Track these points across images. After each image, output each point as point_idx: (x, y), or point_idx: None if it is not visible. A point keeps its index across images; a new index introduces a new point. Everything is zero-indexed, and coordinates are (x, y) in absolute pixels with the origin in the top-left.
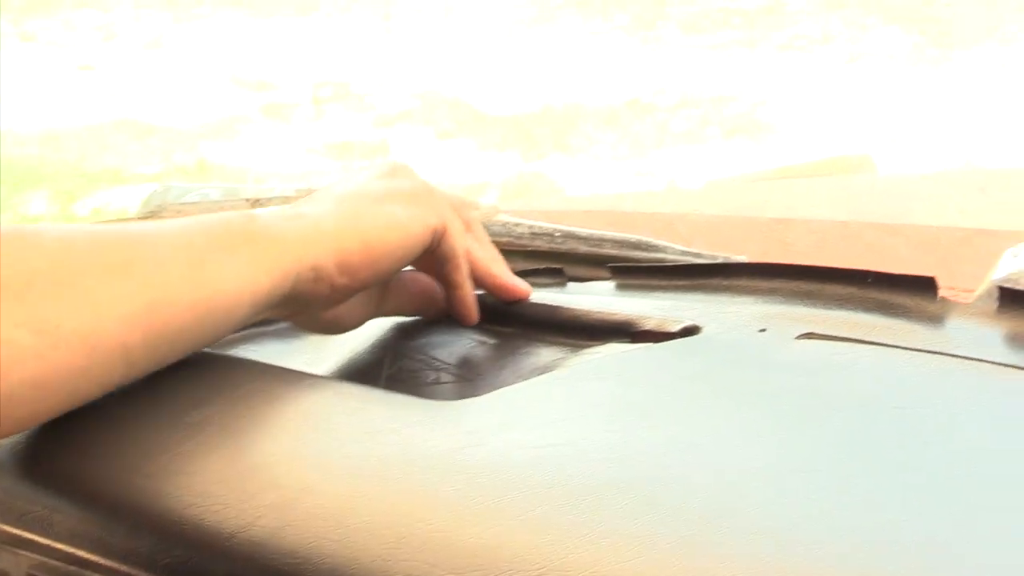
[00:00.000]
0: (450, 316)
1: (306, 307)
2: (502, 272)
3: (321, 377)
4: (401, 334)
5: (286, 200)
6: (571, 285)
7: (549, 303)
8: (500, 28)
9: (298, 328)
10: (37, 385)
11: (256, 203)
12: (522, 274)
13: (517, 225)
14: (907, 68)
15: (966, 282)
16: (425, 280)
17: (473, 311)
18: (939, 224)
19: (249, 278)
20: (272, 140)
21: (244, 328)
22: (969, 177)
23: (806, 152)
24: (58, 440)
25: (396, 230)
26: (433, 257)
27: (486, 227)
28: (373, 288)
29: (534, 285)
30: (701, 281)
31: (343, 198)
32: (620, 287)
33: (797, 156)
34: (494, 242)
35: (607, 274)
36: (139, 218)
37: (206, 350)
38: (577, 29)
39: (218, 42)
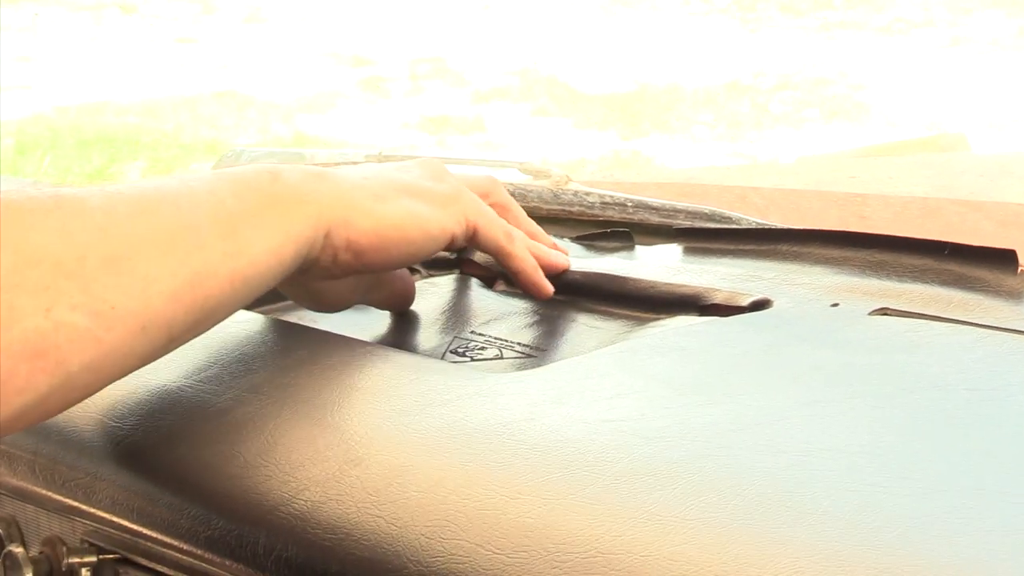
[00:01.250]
0: (516, 290)
1: (304, 273)
2: (539, 250)
3: (376, 345)
4: (464, 308)
5: (355, 165)
6: (638, 250)
7: (616, 273)
8: (598, 6)
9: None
10: (94, 368)
11: (325, 167)
12: (588, 237)
13: (588, 194)
14: (1010, 53)
15: None
16: (409, 279)
17: (544, 287)
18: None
19: (277, 245)
20: (368, 114)
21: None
22: None
23: (903, 134)
24: (100, 407)
25: (414, 227)
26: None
27: (557, 196)
28: (368, 275)
29: (600, 250)
30: (771, 247)
31: (371, 178)
32: (687, 252)
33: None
34: (565, 211)
35: (675, 241)
36: None
37: (256, 313)
38: (677, 10)
39: (316, 17)
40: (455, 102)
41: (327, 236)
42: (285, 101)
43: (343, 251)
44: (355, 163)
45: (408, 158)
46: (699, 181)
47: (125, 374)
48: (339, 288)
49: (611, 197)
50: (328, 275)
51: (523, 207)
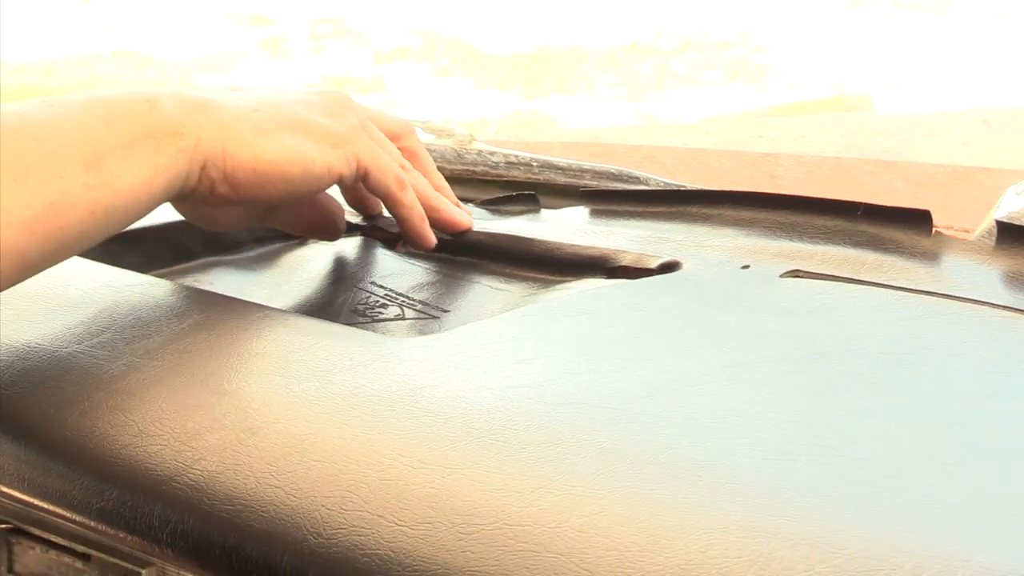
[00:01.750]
0: (419, 248)
1: (182, 202)
2: (441, 204)
3: (275, 310)
4: (366, 266)
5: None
6: (544, 212)
7: (522, 235)
8: None
9: (259, 259)
10: None
11: None
12: (494, 201)
13: (492, 154)
14: (910, 13)
15: (965, 221)
16: (325, 203)
17: (427, 237)
18: (939, 162)
19: (146, 177)
20: (268, 74)
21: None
22: (973, 115)
23: (805, 95)
24: None
25: (295, 164)
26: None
27: (461, 156)
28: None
29: (506, 213)
30: (680, 209)
31: (260, 110)
32: (595, 214)
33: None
34: (469, 171)
35: (582, 202)
36: None
37: (154, 277)
38: None
39: None
40: (356, 62)
41: (203, 168)
42: (184, 61)
43: (220, 183)
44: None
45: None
46: (606, 141)
47: None
48: (231, 212)
49: (516, 157)
50: (208, 205)
51: None
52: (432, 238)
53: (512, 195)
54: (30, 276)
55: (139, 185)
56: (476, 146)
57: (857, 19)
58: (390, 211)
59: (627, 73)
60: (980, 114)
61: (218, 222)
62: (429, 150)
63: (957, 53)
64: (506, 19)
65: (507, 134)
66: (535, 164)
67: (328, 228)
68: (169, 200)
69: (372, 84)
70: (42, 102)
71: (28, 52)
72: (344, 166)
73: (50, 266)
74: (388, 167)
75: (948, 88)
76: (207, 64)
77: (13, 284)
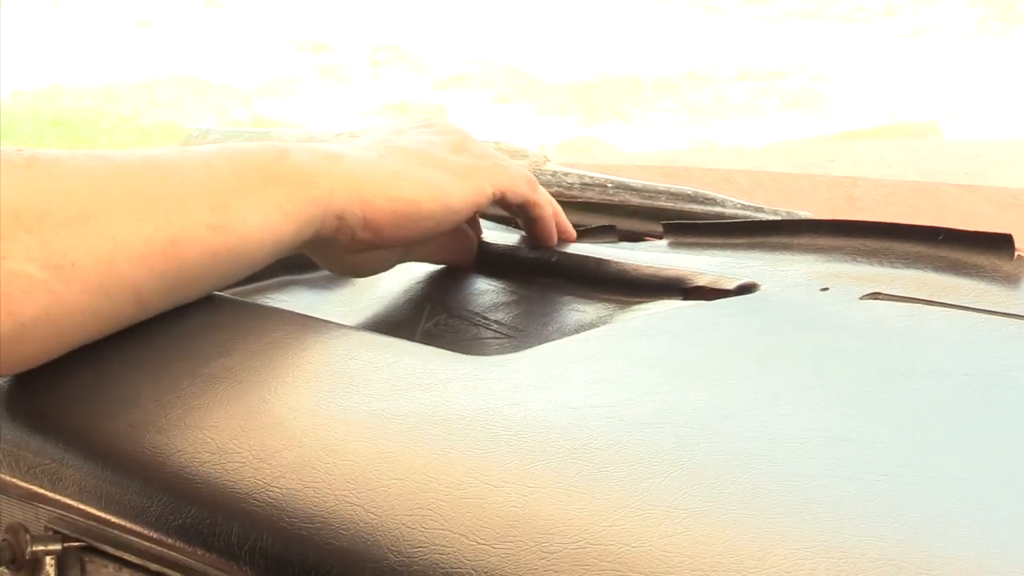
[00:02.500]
0: (491, 268)
1: (324, 249)
2: (557, 208)
3: (351, 328)
4: (441, 286)
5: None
6: (623, 244)
7: (599, 256)
8: None
9: (332, 277)
10: (47, 321)
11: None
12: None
13: (567, 175)
14: (971, 42)
15: None
16: (464, 233)
17: (568, 229)
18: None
19: (273, 223)
20: (328, 99)
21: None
22: None
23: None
24: (68, 390)
25: (434, 201)
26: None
27: (536, 176)
28: None
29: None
30: (761, 239)
31: (387, 151)
32: (674, 246)
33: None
34: None
35: (660, 230)
36: None
37: (229, 295)
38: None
39: (274, 4)
40: (415, 88)
41: (340, 217)
42: (243, 86)
43: (360, 230)
44: (334, 135)
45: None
46: (682, 163)
47: (89, 335)
48: (372, 256)
49: (591, 178)
50: (349, 252)
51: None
52: (571, 230)
53: (589, 228)
54: (151, 314)
55: (265, 230)
56: (550, 167)
57: (917, 47)
58: (528, 216)
59: (685, 101)
60: None
61: (360, 267)
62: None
63: (1019, 81)
64: (564, 48)
65: (568, 159)
66: (609, 185)
67: (466, 253)
68: (303, 249)
69: (433, 110)
70: (172, 148)
71: (89, 77)
72: (480, 195)
73: (171, 307)
74: (519, 179)
75: (1009, 118)
76: (267, 89)
77: (130, 322)
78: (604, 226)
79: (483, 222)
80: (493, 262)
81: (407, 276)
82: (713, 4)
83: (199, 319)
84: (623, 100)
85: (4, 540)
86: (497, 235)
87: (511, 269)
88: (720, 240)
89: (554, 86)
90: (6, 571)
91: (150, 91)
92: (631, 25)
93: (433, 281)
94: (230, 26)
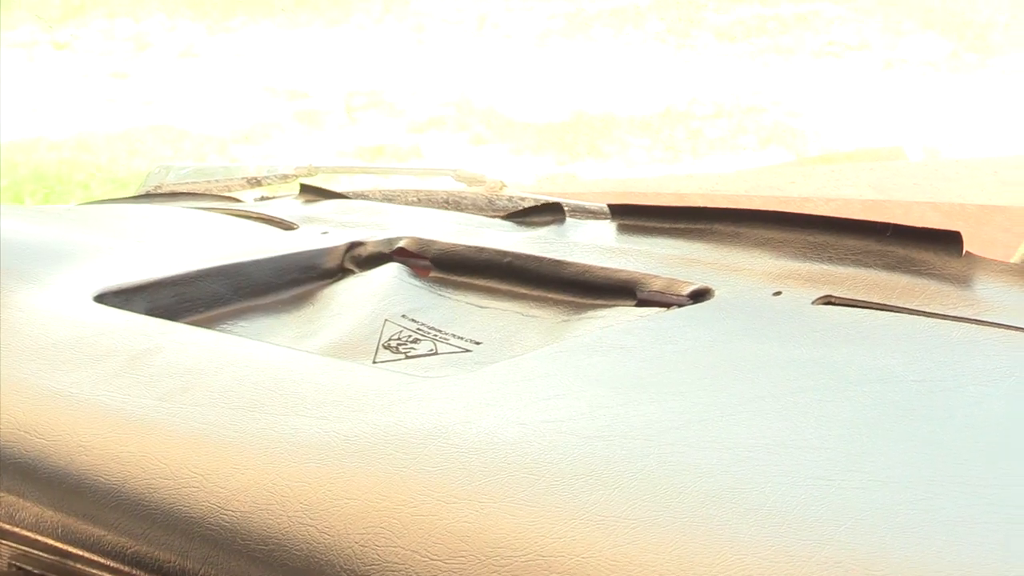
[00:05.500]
0: (448, 274)
1: None
2: None
3: (307, 353)
4: (398, 299)
5: (284, 179)
6: (570, 223)
7: (552, 256)
8: (532, 39)
9: (288, 300)
10: None
11: (254, 181)
12: (521, 213)
13: (523, 199)
14: (944, 74)
15: (996, 251)
16: None
17: None
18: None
19: None
20: (304, 145)
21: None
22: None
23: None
24: (21, 423)
25: None
26: None
27: (492, 202)
28: None
29: (532, 224)
30: (708, 226)
31: None
32: (622, 229)
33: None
34: (498, 216)
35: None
36: (137, 196)
37: (185, 325)
38: (612, 40)
39: (250, 53)
40: (391, 132)
41: None
42: (220, 133)
43: None
44: (286, 176)
45: (337, 170)
46: (637, 189)
47: None
48: None
49: (545, 201)
50: None
51: (459, 213)
52: None
53: (538, 206)
54: None
55: None
56: (506, 191)
57: (892, 80)
58: None
59: (660, 138)
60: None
61: None
62: (461, 198)
63: (992, 112)
64: (538, 90)
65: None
66: (565, 208)
67: None
68: None
69: (408, 152)
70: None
71: (65, 129)
72: None
73: None
74: None
75: (978, 143)
76: (243, 136)
77: None
78: (551, 203)
79: (442, 212)
80: (449, 266)
81: (364, 291)
82: (686, 42)
83: (153, 346)
84: (599, 138)
85: None
86: (456, 225)
87: (467, 273)
88: (667, 225)
89: (530, 126)
90: None
91: (126, 141)
92: (606, 65)
93: (390, 293)
94: (206, 75)
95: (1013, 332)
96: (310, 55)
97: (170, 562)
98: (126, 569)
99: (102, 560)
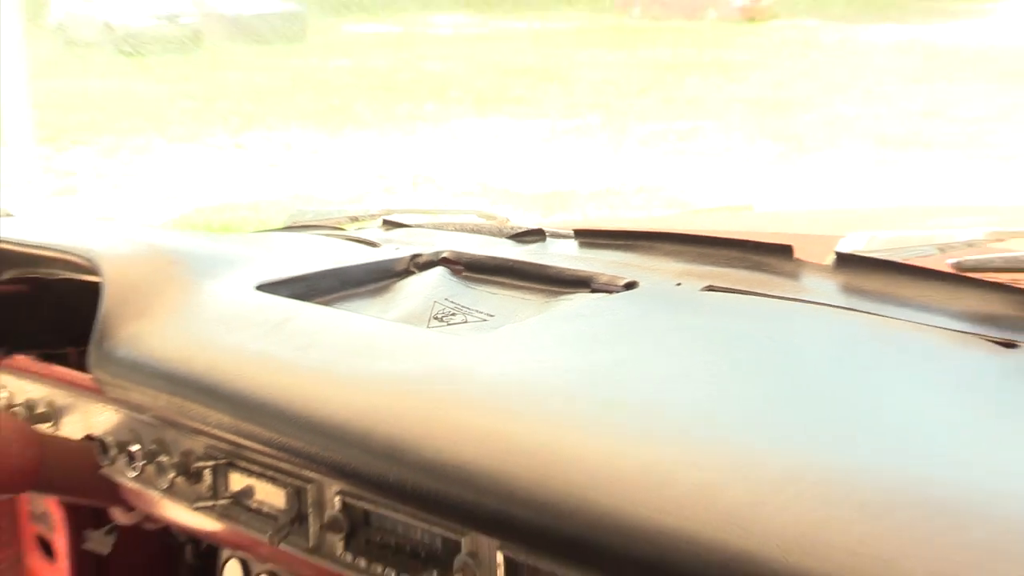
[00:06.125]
0: (474, 272)
1: None
2: None
3: (386, 321)
4: (444, 288)
5: (372, 217)
6: (549, 241)
7: (538, 262)
8: (528, 143)
9: (376, 288)
10: None
11: (354, 218)
12: (518, 235)
13: (519, 227)
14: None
15: (814, 257)
16: None
17: None
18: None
19: None
20: (384, 204)
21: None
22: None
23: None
24: (205, 363)
25: None
26: None
27: (502, 230)
28: None
29: (525, 242)
30: (635, 243)
31: None
32: (582, 245)
33: None
34: (504, 238)
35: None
36: (283, 228)
37: (314, 304)
38: (572, 144)
39: (352, 150)
40: (438, 197)
41: None
42: (334, 197)
43: None
44: (373, 215)
45: (404, 211)
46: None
47: None
48: None
49: (533, 228)
50: None
51: (480, 235)
52: None
53: (528, 230)
54: None
55: None
56: (511, 224)
57: (746, 170)
58: None
59: (606, 203)
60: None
61: None
62: (482, 227)
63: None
64: (530, 175)
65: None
66: (546, 232)
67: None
68: None
69: (451, 209)
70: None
71: (242, 197)
72: None
73: None
74: None
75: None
76: (348, 199)
77: None
78: (536, 229)
79: (470, 236)
80: (474, 268)
81: (421, 283)
82: (621, 144)
83: (292, 315)
84: (568, 204)
85: (179, 460)
86: (479, 244)
87: (485, 272)
88: (609, 242)
89: (524, 195)
90: (181, 479)
91: (279, 204)
92: (570, 160)
93: (437, 286)
94: (327, 165)
95: (826, 307)
96: (391, 153)
97: (300, 448)
98: (276, 453)
99: (260, 447)
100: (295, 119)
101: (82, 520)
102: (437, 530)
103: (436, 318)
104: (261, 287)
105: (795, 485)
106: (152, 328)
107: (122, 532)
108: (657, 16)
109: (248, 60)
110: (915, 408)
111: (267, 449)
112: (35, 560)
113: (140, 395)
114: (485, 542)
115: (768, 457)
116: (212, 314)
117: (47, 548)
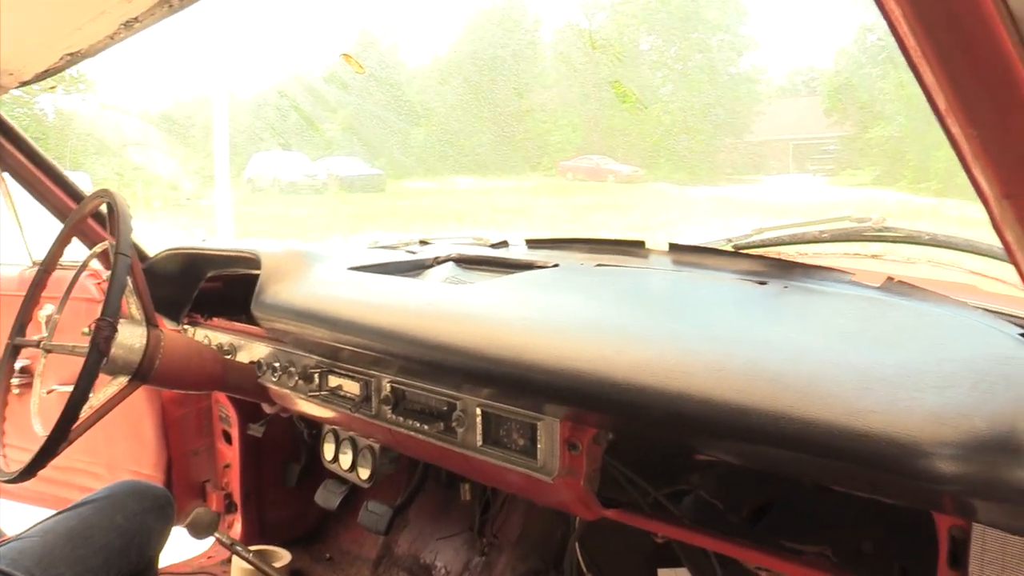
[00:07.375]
0: (469, 264)
1: None
2: None
3: (424, 283)
4: (453, 272)
5: (412, 241)
6: (511, 247)
7: (506, 257)
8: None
9: (413, 275)
10: None
11: (403, 242)
12: (494, 245)
13: (498, 242)
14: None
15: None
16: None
17: None
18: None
19: None
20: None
21: None
22: None
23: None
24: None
25: None
26: None
27: (487, 243)
28: None
29: (499, 247)
30: (564, 246)
31: None
32: (530, 246)
33: None
34: (488, 246)
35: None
36: (368, 247)
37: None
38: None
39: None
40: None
41: None
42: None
43: None
44: (412, 240)
45: (432, 237)
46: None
47: None
48: None
49: (501, 240)
50: None
51: (477, 246)
52: None
53: (500, 241)
54: None
55: None
56: (491, 240)
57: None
58: None
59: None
60: None
61: None
62: (472, 242)
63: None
64: (553, 229)
65: None
66: (509, 242)
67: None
68: None
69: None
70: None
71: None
72: None
73: None
74: None
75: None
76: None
77: None
78: (502, 241)
79: (471, 246)
80: (471, 263)
81: (440, 271)
82: (578, 205)
83: (367, 283)
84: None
85: (300, 370)
86: (472, 250)
87: (475, 263)
88: (547, 245)
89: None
90: (301, 381)
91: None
92: (551, 216)
93: (448, 269)
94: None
95: (665, 271)
96: (436, 228)
97: (369, 344)
98: (355, 355)
99: (349, 349)
100: (376, 230)
101: (246, 418)
102: (442, 397)
103: (448, 282)
104: (351, 268)
105: (687, 365)
106: (286, 287)
107: (268, 424)
108: (581, 178)
109: (352, 199)
110: (719, 315)
111: (352, 350)
112: (221, 444)
113: (280, 324)
114: (472, 402)
115: (659, 346)
116: (321, 279)
117: (227, 437)
